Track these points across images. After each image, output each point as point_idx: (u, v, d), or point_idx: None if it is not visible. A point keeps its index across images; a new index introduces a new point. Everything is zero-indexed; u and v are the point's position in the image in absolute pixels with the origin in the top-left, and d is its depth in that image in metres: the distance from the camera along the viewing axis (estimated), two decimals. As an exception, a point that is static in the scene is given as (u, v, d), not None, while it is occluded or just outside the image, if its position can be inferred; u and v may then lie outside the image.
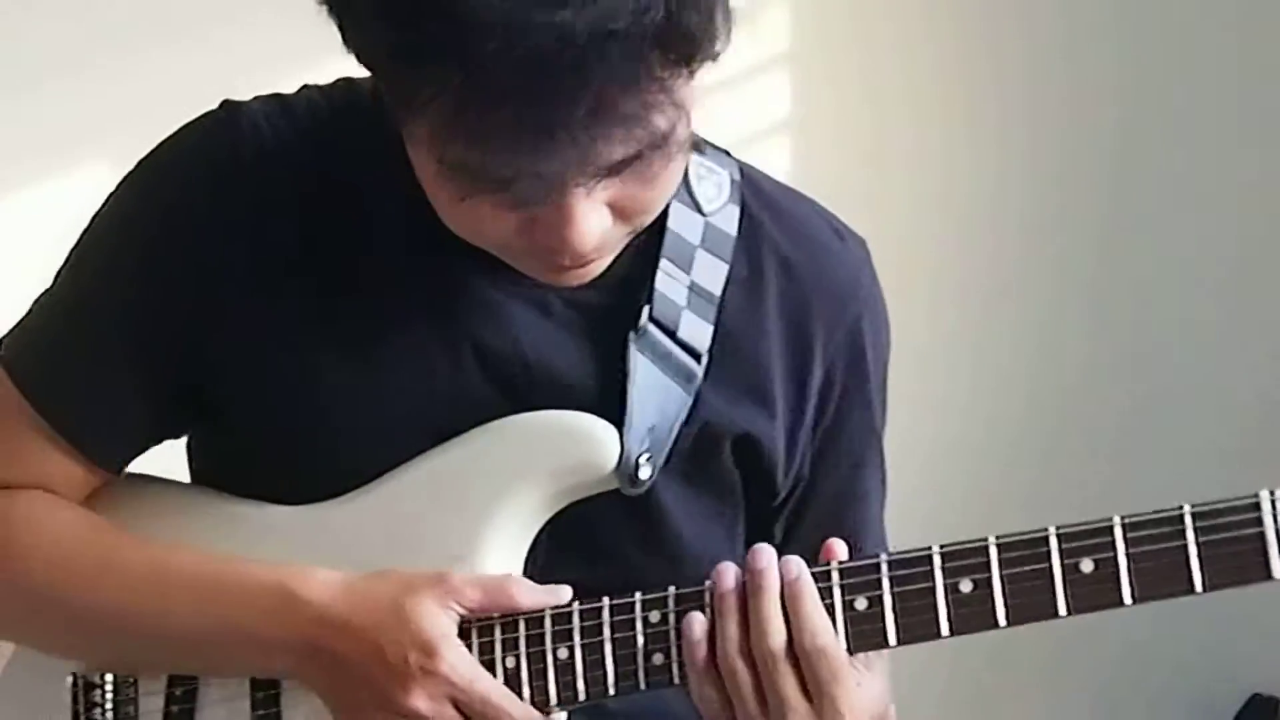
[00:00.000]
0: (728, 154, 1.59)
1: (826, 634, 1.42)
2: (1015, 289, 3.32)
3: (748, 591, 1.44)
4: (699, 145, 1.55)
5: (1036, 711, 3.44)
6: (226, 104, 1.53)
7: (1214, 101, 3.22)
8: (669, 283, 1.52)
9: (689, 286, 1.53)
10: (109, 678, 1.58)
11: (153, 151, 1.54)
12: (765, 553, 1.45)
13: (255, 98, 1.53)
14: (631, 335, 1.51)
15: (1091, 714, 3.44)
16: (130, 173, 1.55)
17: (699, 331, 1.53)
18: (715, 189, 1.55)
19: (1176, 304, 3.31)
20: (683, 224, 1.53)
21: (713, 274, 1.54)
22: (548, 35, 1.23)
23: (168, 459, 1.64)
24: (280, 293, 1.50)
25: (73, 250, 1.57)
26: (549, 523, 1.53)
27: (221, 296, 1.50)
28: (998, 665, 3.33)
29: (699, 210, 1.54)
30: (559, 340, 1.52)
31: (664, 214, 1.51)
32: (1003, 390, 3.32)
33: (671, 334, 1.51)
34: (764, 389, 1.56)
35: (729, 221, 1.55)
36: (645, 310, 1.51)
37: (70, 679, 1.59)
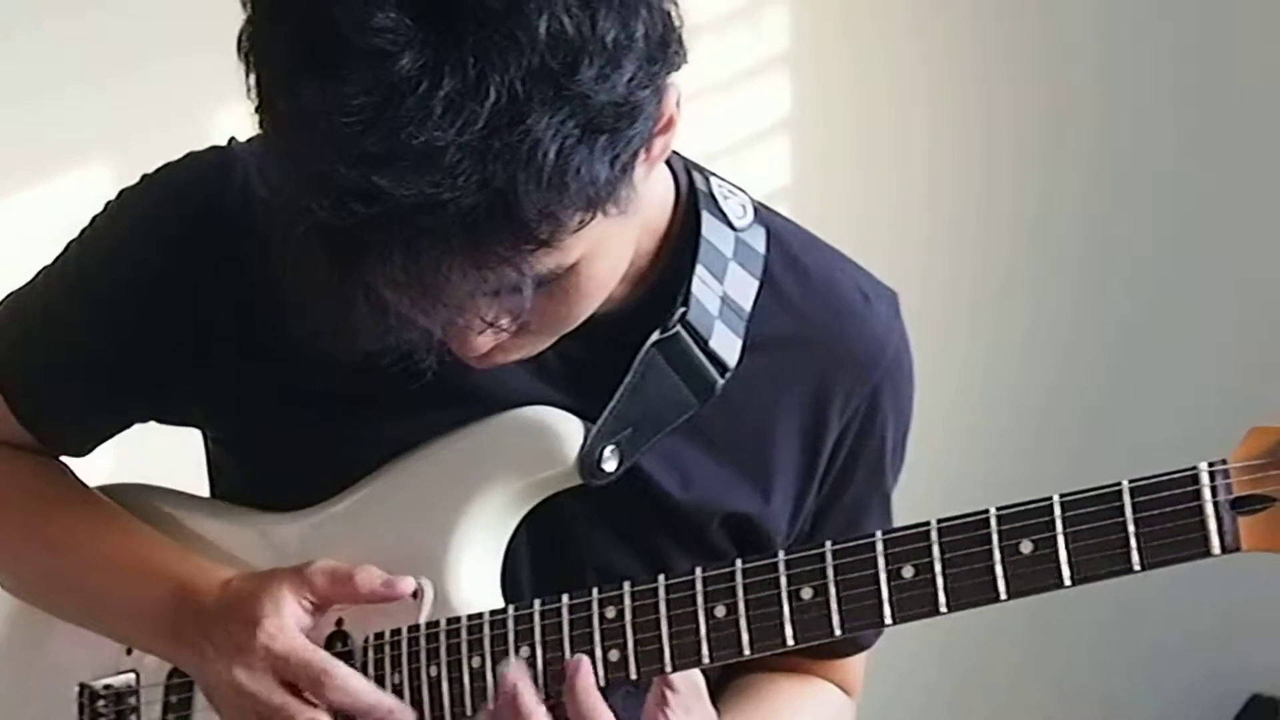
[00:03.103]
0: (751, 197, 1.57)
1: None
2: (1016, 288, 3.31)
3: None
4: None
5: (1037, 712, 3.43)
6: (228, 149, 1.53)
7: (1210, 100, 3.22)
8: (703, 290, 1.49)
9: (721, 298, 1.50)
10: (112, 685, 1.62)
11: (145, 182, 1.56)
12: (509, 679, 1.44)
13: (254, 140, 1.53)
14: (657, 334, 1.48)
15: (1092, 714, 3.44)
16: (122, 198, 1.57)
17: (729, 344, 1.50)
18: (740, 208, 1.54)
19: (1176, 303, 3.30)
20: (715, 235, 1.51)
21: (744, 288, 1.52)
22: (363, 197, 1.19)
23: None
24: (256, 337, 1.51)
25: (67, 246, 1.60)
26: (538, 551, 1.53)
27: (190, 332, 1.53)
28: (998, 666, 3.33)
29: (729, 225, 1.52)
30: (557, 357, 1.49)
31: (696, 223, 1.50)
32: (1001, 390, 3.32)
33: (703, 343, 1.49)
34: (766, 464, 1.54)
35: (757, 239, 1.53)
36: (679, 312, 1.48)
37: (77, 689, 1.63)
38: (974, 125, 3.26)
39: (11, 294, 1.63)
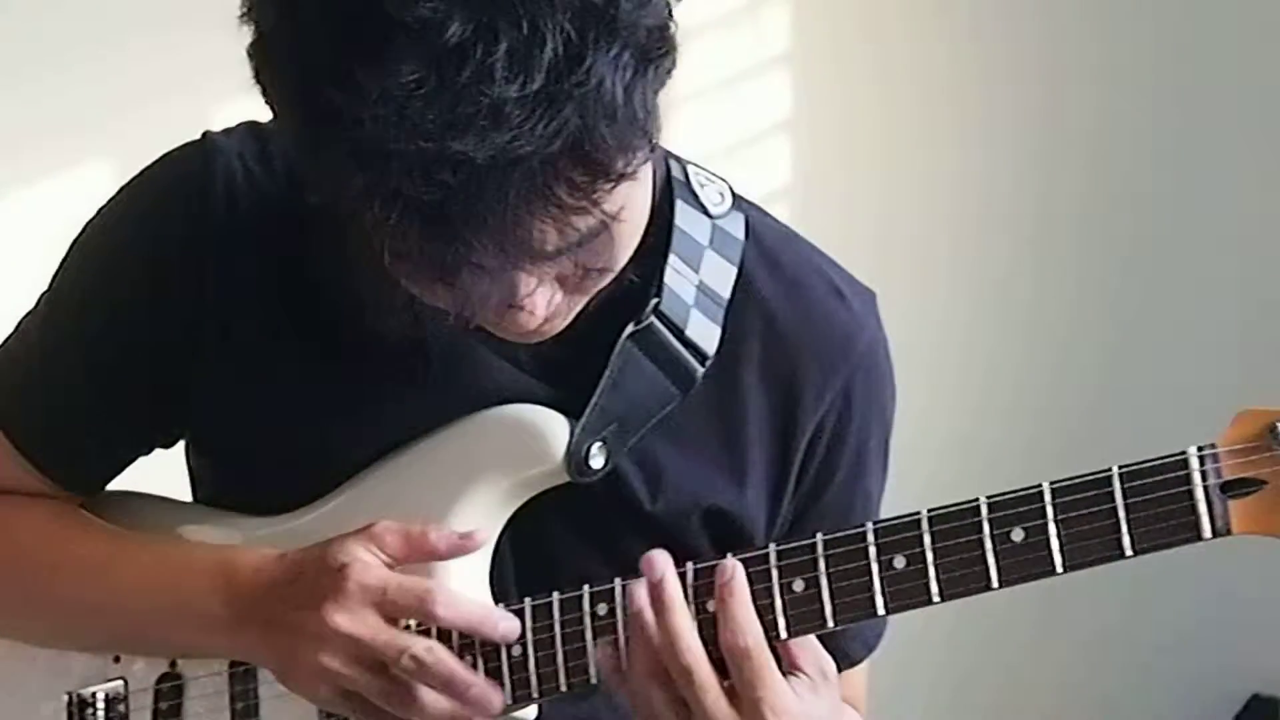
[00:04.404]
0: (733, 190, 1.56)
1: (749, 634, 1.39)
2: (1016, 288, 3.32)
3: (654, 608, 1.40)
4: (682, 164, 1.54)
5: (1038, 711, 3.43)
6: (205, 142, 1.52)
7: (1221, 100, 3.21)
8: (677, 279, 1.49)
9: (697, 286, 1.50)
10: (100, 695, 1.61)
11: (127, 189, 1.55)
12: (658, 563, 1.42)
13: (236, 131, 1.52)
14: (631, 326, 1.48)
15: (1092, 713, 3.44)
16: (105, 209, 1.56)
17: (706, 332, 1.50)
18: (718, 195, 1.53)
19: (1183, 303, 3.30)
20: (690, 223, 1.51)
21: (722, 276, 1.51)
22: (448, 166, 1.19)
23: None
24: (248, 336, 1.51)
25: (53, 277, 1.59)
26: (520, 553, 1.53)
27: (187, 339, 1.52)
28: (998, 665, 3.34)
29: (705, 213, 1.52)
30: (538, 349, 1.48)
31: (670, 212, 1.50)
32: (1008, 387, 3.32)
33: (679, 332, 1.49)
34: (740, 458, 1.53)
35: (736, 225, 1.53)
36: (652, 303, 1.48)
37: (65, 697, 1.62)
38: (974, 125, 3.26)
39: (4, 341, 1.62)
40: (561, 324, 1.39)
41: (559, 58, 1.19)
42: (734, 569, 1.41)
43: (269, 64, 1.26)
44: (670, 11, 1.26)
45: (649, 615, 1.40)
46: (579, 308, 1.39)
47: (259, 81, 1.27)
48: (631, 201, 1.31)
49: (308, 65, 1.23)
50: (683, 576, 1.43)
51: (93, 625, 1.60)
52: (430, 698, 1.44)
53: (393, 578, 1.45)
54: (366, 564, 1.44)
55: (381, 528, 1.46)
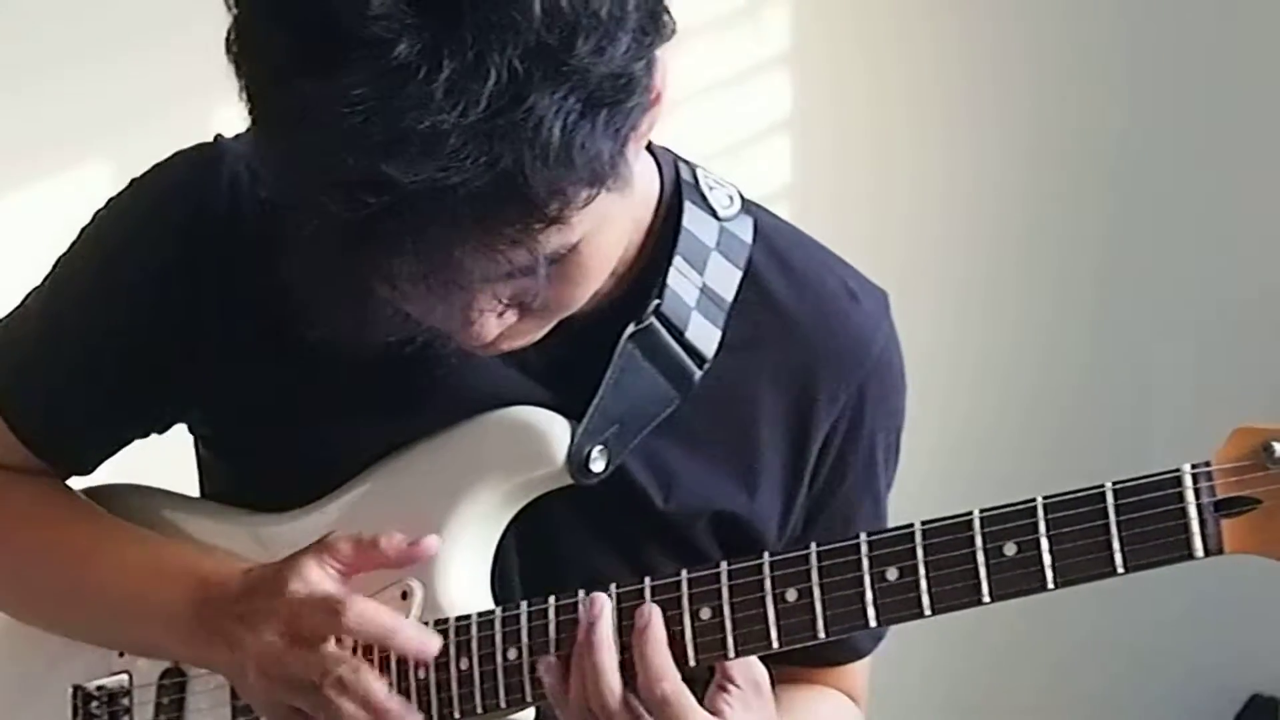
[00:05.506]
0: (742, 195, 1.57)
1: (665, 679, 1.39)
2: (1017, 289, 3.31)
3: (582, 646, 1.41)
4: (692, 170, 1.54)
5: (1037, 713, 3.42)
6: (215, 145, 1.53)
7: (1216, 102, 3.22)
8: (680, 281, 1.49)
9: (700, 288, 1.50)
10: (104, 689, 1.62)
11: (134, 186, 1.56)
12: (597, 604, 1.42)
13: (246, 136, 1.52)
14: (631, 326, 1.48)
15: (1092, 715, 3.44)
16: (113, 201, 1.57)
17: (706, 335, 1.50)
18: (727, 199, 1.53)
19: (1179, 306, 3.31)
20: (697, 225, 1.51)
21: (726, 279, 1.52)
22: (373, 187, 1.19)
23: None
24: (248, 335, 1.51)
25: (56, 263, 1.60)
26: (527, 553, 1.53)
27: (186, 334, 1.53)
28: (996, 666, 3.33)
29: (714, 215, 1.52)
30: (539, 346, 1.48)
31: (678, 213, 1.50)
32: (1005, 390, 3.32)
33: (678, 334, 1.49)
34: (751, 462, 1.53)
35: (744, 229, 1.53)
36: (653, 304, 1.48)
37: (70, 690, 1.63)
38: (974, 125, 3.25)
39: (4, 320, 1.63)
40: (527, 340, 1.40)
41: (500, 92, 1.19)
42: (649, 616, 1.41)
43: (235, 57, 1.26)
44: (645, 61, 1.26)
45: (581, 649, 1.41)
46: (546, 328, 1.40)
47: (235, 70, 1.28)
48: (597, 234, 1.31)
49: (262, 66, 1.24)
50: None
51: (68, 611, 1.61)
52: (358, 717, 1.44)
53: (314, 593, 1.44)
54: (308, 587, 1.45)
55: (334, 538, 1.47)
